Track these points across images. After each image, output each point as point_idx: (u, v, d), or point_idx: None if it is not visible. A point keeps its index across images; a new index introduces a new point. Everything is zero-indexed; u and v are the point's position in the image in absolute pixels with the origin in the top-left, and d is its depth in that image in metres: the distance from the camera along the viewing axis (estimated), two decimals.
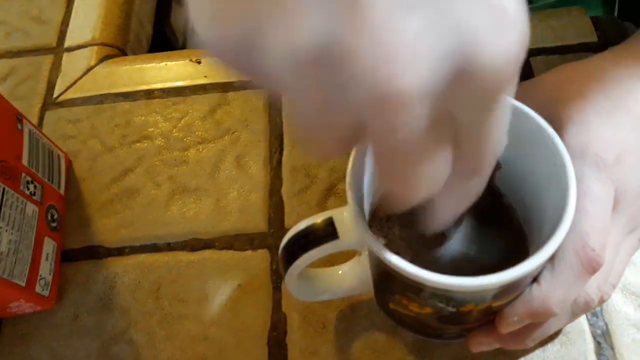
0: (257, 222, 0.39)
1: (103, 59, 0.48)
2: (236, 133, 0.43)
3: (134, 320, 0.36)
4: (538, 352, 0.32)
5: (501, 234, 0.30)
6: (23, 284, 0.34)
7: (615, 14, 0.53)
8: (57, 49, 0.49)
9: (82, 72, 0.47)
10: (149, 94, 0.46)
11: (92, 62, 0.48)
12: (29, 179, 0.36)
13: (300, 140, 0.17)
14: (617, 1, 0.52)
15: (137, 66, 0.47)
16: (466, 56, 0.15)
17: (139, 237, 0.39)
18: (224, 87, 0.45)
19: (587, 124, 0.28)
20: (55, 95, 0.46)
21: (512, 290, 0.25)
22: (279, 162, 0.41)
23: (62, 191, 0.40)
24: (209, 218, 0.39)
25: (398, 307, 0.27)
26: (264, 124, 0.43)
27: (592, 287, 0.27)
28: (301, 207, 0.39)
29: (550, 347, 0.32)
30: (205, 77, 0.46)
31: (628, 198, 0.27)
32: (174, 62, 0.47)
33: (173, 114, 0.44)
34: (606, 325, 0.33)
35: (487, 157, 0.19)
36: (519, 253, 0.29)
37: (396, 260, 0.23)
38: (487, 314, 0.26)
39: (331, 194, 0.40)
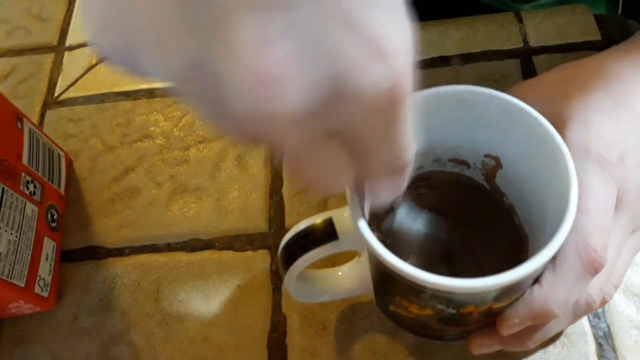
0: (257, 222, 0.39)
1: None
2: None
3: (134, 321, 0.36)
4: (539, 354, 0.32)
5: (502, 235, 0.30)
6: (22, 285, 0.34)
7: (619, 12, 0.52)
8: (59, 48, 0.49)
9: (84, 71, 0.47)
10: (150, 93, 0.46)
11: (94, 61, 0.48)
12: (28, 178, 0.36)
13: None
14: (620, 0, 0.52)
15: None
16: (339, 83, 0.15)
17: (139, 237, 0.39)
18: None
19: (590, 122, 0.28)
20: (56, 94, 0.46)
21: (513, 291, 0.24)
22: (280, 161, 0.41)
23: (62, 191, 0.40)
24: (209, 218, 0.39)
25: (398, 308, 0.27)
26: None
27: (594, 288, 0.27)
28: (302, 207, 0.39)
29: (552, 349, 0.32)
30: None
31: (631, 197, 0.27)
32: None
33: (174, 113, 0.44)
34: (608, 326, 0.33)
35: (393, 165, 0.19)
36: (520, 254, 0.29)
37: (396, 262, 0.22)
38: (488, 315, 0.26)
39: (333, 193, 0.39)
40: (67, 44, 0.49)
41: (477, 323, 0.27)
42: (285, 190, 0.40)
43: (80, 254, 0.39)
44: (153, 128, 0.44)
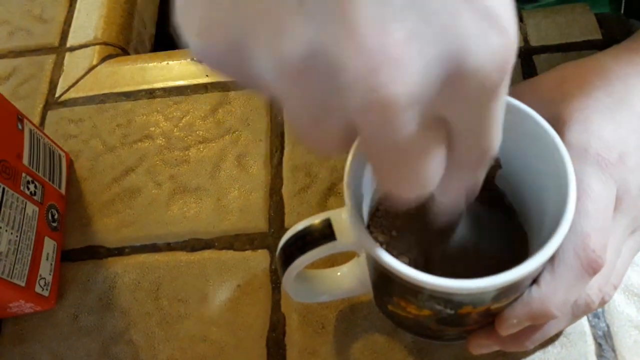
0: (257, 221, 0.39)
1: (105, 59, 0.48)
2: (237, 132, 0.43)
3: (134, 321, 0.36)
4: (539, 354, 0.32)
5: (501, 235, 0.30)
6: (23, 284, 0.34)
7: (622, 11, 0.52)
8: (60, 49, 0.49)
9: (84, 72, 0.47)
10: (151, 94, 0.46)
11: (94, 62, 0.48)
12: (29, 178, 0.36)
13: (299, 139, 0.17)
14: None
15: (139, 65, 0.47)
16: (455, 62, 0.15)
17: (139, 237, 0.39)
18: (225, 87, 0.45)
19: (589, 123, 0.28)
20: (57, 94, 0.46)
21: (511, 292, 0.24)
22: (280, 161, 0.41)
23: (62, 191, 0.40)
24: (209, 218, 0.39)
25: (396, 309, 0.27)
26: (265, 123, 0.43)
27: (593, 288, 0.27)
28: (302, 206, 0.39)
29: (551, 349, 0.32)
30: (206, 76, 0.46)
31: (630, 198, 0.27)
32: (175, 62, 0.47)
33: (174, 114, 0.44)
34: (608, 326, 0.33)
35: (483, 156, 0.19)
36: (519, 254, 0.29)
37: (393, 263, 0.22)
38: (486, 316, 0.26)
39: (332, 193, 0.39)
40: (68, 45, 0.49)
41: (476, 323, 0.27)
42: (285, 190, 0.40)
43: (81, 254, 0.39)
44: (153, 128, 0.44)
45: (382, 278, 0.25)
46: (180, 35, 0.16)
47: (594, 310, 0.28)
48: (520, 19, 0.45)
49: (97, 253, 0.39)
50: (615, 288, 0.28)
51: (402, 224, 0.30)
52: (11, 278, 0.33)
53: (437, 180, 0.18)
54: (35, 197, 0.37)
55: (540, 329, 0.28)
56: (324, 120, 0.16)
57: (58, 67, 0.48)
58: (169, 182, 0.41)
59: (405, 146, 0.16)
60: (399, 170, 0.17)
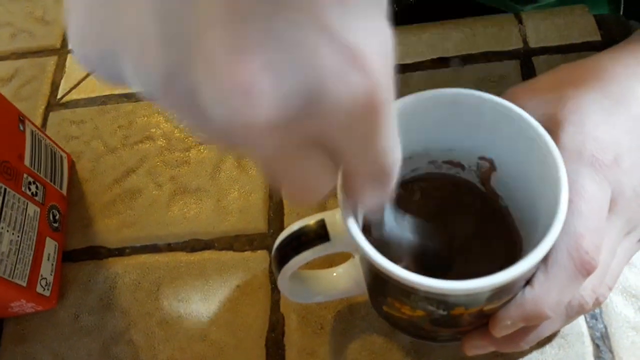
0: (257, 222, 0.39)
1: None
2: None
3: (134, 321, 0.36)
4: (536, 355, 0.32)
5: (497, 236, 0.30)
6: (24, 284, 0.34)
7: (621, 12, 0.52)
8: (61, 50, 0.50)
9: (86, 73, 0.48)
10: None
11: None
12: (30, 179, 0.37)
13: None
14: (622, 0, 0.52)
15: None
16: (316, 92, 0.15)
17: (140, 238, 0.40)
18: None
19: (584, 124, 0.28)
20: (59, 96, 0.47)
21: (504, 293, 0.24)
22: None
23: (64, 192, 0.41)
24: (209, 218, 0.40)
25: (391, 309, 0.27)
26: None
27: (587, 289, 0.27)
28: (301, 207, 0.39)
29: (549, 350, 0.32)
30: None
31: (625, 199, 0.27)
32: None
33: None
34: (605, 327, 0.33)
35: (379, 172, 0.19)
36: (515, 255, 0.29)
37: (385, 264, 0.23)
38: (480, 317, 0.26)
39: (332, 194, 0.39)
40: (70, 46, 0.50)
41: (470, 325, 0.27)
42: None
43: (82, 254, 0.39)
44: (154, 130, 0.44)
45: (376, 279, 0.25)
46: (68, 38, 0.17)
47: (589, 311, 0.28)
48: (520, 20, 0.45)
49: (98, 253, 0.39)
50: (610, 289, 0.28)
51: (396, 225, 0.30)
52: (12, 278, 0.33)
53: (323, 191, 0.19)
54: (36, 198, 0.37)
55: (535, 330, 0.28)
56: (202, 132, 0.17)
57: (60, 68, 0.48)
58: (169, 183, 0.41)
59: (278, 162, 0.17)
60: (285, 182, 0.18)
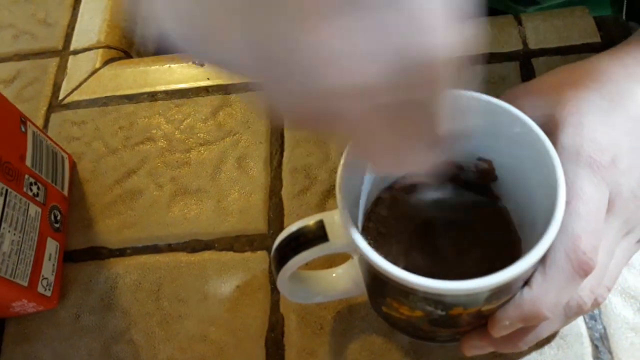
0: (257, 223, 0.39)
1: (108, 62, 0.49)
2: (237, 135, 0.43)
3: (135, 321, 0.37)
4: (535, 355, 0.32)
5: (496, 237, 0.30)
6: (25, 284, 0.34)
7: (623, 14, 0.52)
8: (63, 52, 0.50)
9: (87, 75, 0.48)
10: (153, 96, 0.46)
11: (97, 65, 0.48)
12: (32, 180, 0.37)
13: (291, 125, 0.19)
14: (625, 1, 0.52)
15: (141, 68, 0.48)
16: (396, 57, 0.16)
17: (141, 238, 0.40)
18: (226, 89, 0.46)
19: (583, 125, 0.28)
20: (60, 97, 0.47)
21: (502, 294, 0.25)
22: (280, 163, 0.41)
23: (65, 192, 0.41)
24: (209, 219, 0.40)
25: (390, 310, 0.27)
26: (265, 125, 0.43)
27: (585, 290, 0.27)
28: (301, 208, 0.39)
29: (547, 350, 0.32)
30: (207, 79, 0.46)
31: (622, 200, 0.27)
32: (177, 65, 0.48)
33: (176, 116, 0.45)
34: (604, 328, 0.33)
35: (434, 133, 0.20)
36: (513, 256, 0.29)
37: (383, 264, 0.23)
38: (478, 317, 0.26)
39: (331, 195, 0.40)
40: (72, 48, 0.50)
41: (468, 325, 0.27)
42: (285, 192, 0.40)
43: (83, 254, 0.40)
44: (155, 131, 0.44)
45: (375, 280, 0.25)
46: (155, 23, 0.17)
47: (587, 312, 0.28)
48: (519, 22, 0.45)
49: (99, 254, 0.39)
50: (609, 290, 0.28)
51: (395, 226, 0.30)
52: (14, 278, 0.33)
53: (410, 160, 0.21)
54: (38, 199, 0.37)
55: (533, 330, 0.28)
56: (297, 104, 0.18)
57: (61, 70, 0.49)
58: (170, 184, 0.42)
59: (368, 127, 0.18)
60: (378, 148, 0.20)
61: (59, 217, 0.39)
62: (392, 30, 0.16)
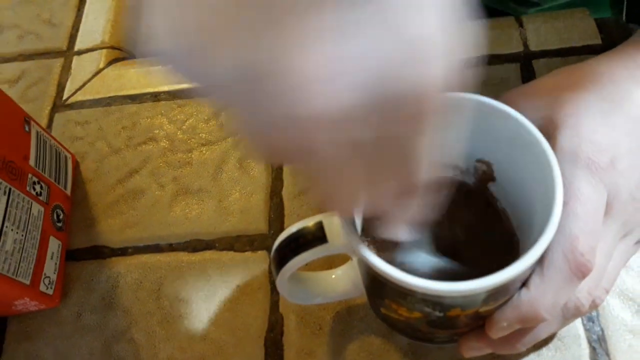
0: (257, 223, 0.40)
1: (111, 62, 0.49)
2: (239, 135, 0.43)
3: (136, 319, 0.37)
4: (532, 357, 0.32)
5: (495, 239, 0.30)
6: (28, 283, 0.35)
7: (624, 16, 0.52)
8: (68, 52, 0.50)
9: (91, 75, 0.48)
10: (156, 97, 0.46)
11: (101, 65, 0.49)
12: (35, 179, 0.37)
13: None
14: (625, 3, 0.52)
15: (145, 69, 0.48)
16: (378, 86, 0.15)
17: (142, 238, 0.40)
18: None
19: (581, 127, 0.28)
20: (64, 97, 0.47)
21: (500, 295, 0.25)
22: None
23: (68, 192, 0.41)
24: (210, 219, 0.40)
25: (389, 311, 0.27)
26: None
27: (583, 291, 0.27)
28: (301, 209, 0.40)
29: (545, 352, 0.32)
30: None
31: (621, 202, 0.27)
32: None
33: (178, 116, 0.45)
34: (602, 330, 0.33)
35: (407, 183, 0.19)
36: (512, 257, 0.29)
37: (382, 265, 0.23)
38: (476, 319, 0.26)
39: None
40: (76, 48, 0.50)
41: (466, 326, 0.28)
42: (285, 193, 0.40)
43: (85, 254, 0.40)
44: (157, 131, 0.44)
45: (374, 281, 0.25)
46: (145, 33, 0.17)
47: (585, 314, 0.28)
48: (520, 24, 0.45)
49: (101, 253, 0.40)
50: (607, 292, 0.28)
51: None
52: (16, 276, 0.34)
53: (355, 203, 0.19)
54: (41, 198, 0.37)
55: (531, 332, 0.28)
56: (260, 133, 0.17)
57: (66, 70, 0.49)
58: (172, 184, 0.42)
59: (325, 165, 0.17)
60: (326, 187, 0.18)
61: (61, 216, 0.40)
62: (380, 54, 0.15)
